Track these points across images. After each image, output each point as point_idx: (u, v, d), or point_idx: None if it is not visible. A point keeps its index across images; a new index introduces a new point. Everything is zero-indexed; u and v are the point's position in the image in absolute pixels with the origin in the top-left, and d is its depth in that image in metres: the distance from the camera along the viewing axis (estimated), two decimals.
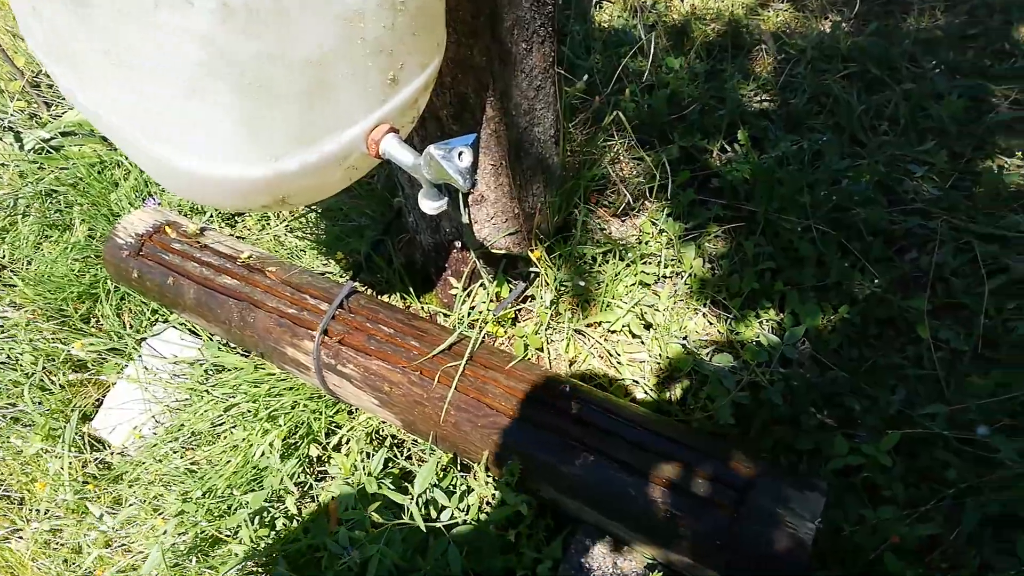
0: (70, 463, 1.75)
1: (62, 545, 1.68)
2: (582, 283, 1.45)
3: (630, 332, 1.50)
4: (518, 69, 1.19)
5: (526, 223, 1.46)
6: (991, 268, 1.50)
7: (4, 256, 2.19)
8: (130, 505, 1.64)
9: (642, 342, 1.49)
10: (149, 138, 0.83)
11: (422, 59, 0.91)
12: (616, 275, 1.52)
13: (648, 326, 1.49)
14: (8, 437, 1.81)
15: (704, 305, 1.50)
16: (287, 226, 1.94)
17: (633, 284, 1.53)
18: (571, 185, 1.51)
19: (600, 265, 1.54)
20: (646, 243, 1.55)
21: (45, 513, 1.72)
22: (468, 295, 1.56)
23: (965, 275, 1.52)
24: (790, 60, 2.01)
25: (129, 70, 0.73)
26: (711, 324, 1.49)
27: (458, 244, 1.49)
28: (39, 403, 1.87)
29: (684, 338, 1.46)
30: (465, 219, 1.40)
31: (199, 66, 0.70)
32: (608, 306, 1.51)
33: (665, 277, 1.55)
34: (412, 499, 1.30)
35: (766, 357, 1.41)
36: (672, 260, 1.54)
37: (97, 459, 1.77)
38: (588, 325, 1.51)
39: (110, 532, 1.62)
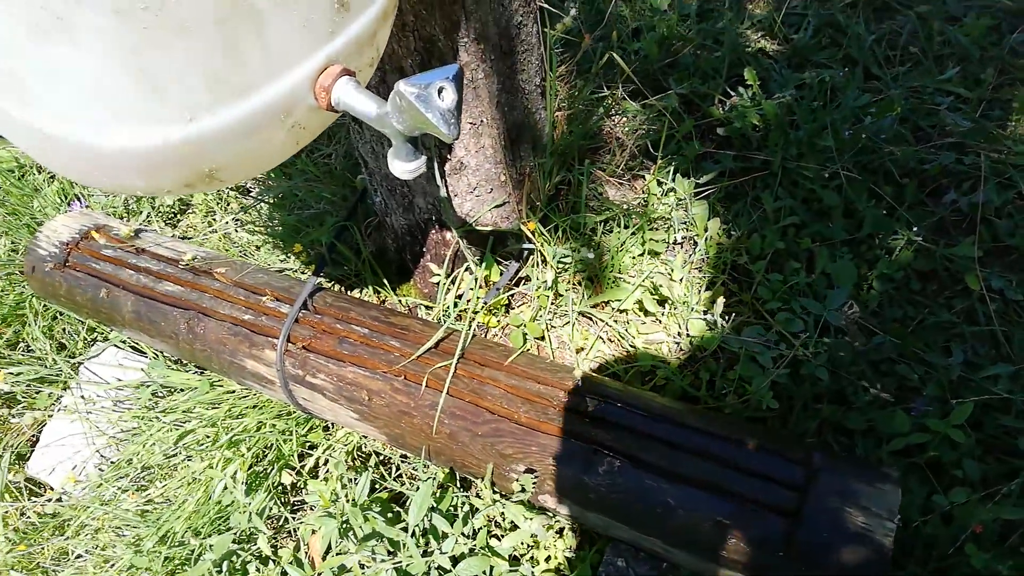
0: (4, 513, 1.50)
1: None
2: (590, 255, 1.24)
3: (643, 309, 1.29)
4: (495, 1, 0.96)
5: (515, 192, 1.24)
6: None
7: None
8: (77, 558, 1.41)
9: (658, 320, 1.29)
10: (15, 104, 0.60)
11: None
12: (621, 245, 1.31)
13: (663, 301, 1.29)
14: None
15: (724, 272, 1.30)
16: (236, 220, 1.69)
17: (641, 254, 1.32)
18: (563, 144, 1.30)
19: (602, 235, 1.33)
20: (653, 206, 1.34)
21: None
22: (452, 282, 1.34)
23: (1011, 214, 1.34)
24: None
25: None
26: (734, 293, 1.29)
27: (436, 223, 1.27)
28: None
29: (705, 312, 1.26)
30: (443, 192, 1.18)
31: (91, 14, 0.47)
32: (615, 282, 1.31)
33: (677, 243, 1.35)
34: (408, 531, 1.09)
35: (802, 327, 1.22)
36: (683, 223, 1.33)
37: (36, 505, 1.52)
38: (594, 306, 1.31)
39: None
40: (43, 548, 1.45)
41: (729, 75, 1.53)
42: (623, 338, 1.27)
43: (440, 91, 0.60)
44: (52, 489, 1.56)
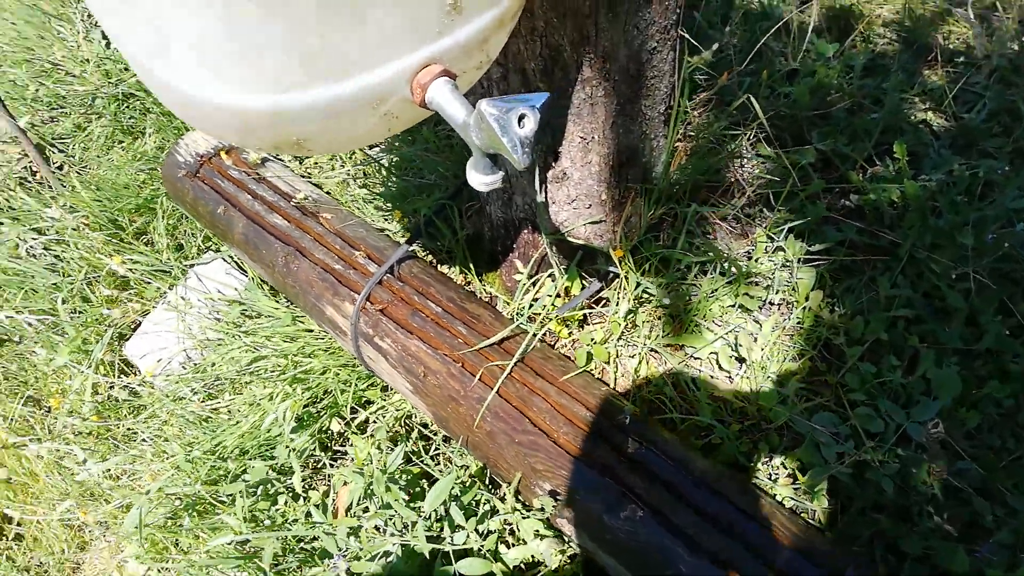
0: (94, 384, 1.65)
1: (69, 471, 1.59)
2: (667, 300, 1.20)
3: (718, 363, 1.24)
4: (630, 24, 0.93)
5: (613, 212, 1.21)
6: None
7: (74, 155, 2.12)
8: (142, 442, 1.53)
9: (730, 378, 1.23)
10: (144, 53, 0.65)
11: None
12: (712, 292, 1.26)
13: (741, 360, 1.23)
14: (38, 344, 1.74)
15: (814, 347, 1.22)
16: (354, 172, 1.76)
17: (732, 306, 1.26)
18: (676, 176, 1.25)
19: (695, 277, 1.28)
20: (757, 259, 1.27)
21: (63, 427, 1.64)
22: (533, 284, 1.33)
23: None
24: (970, 68, 1.65)
25: None
26: (819, 372, 1.21)
27: (530, 224, 1.27)
28: (79, 313, 1.79)
29: (782, 383, 1.20)
30: (540, 197, 1.17)
31: None
32: (696, 327, 1.26)
33: (772, 304, 1.28)
34: (422, 516, 1.11)
35: (881, 428, 1.13)
36: (785, 286, 1.26)
37: (122, 383, 1.67)
38: (668, 346, 1.26)
39: (114, 468, 1.52)
40: (118, 424, 1.59)
41: (880, 141, 1.42)
42: (689, 388, 1.23)
43: (521, 118, 0.60)
44: (139, 373, 1.70)
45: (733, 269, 1.25)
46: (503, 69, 1.03)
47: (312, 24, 0.56)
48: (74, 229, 1.81)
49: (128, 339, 1.77)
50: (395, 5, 0.60)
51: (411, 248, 1.43)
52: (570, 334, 1.34)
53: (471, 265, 1.45)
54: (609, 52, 0.96)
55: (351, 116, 0.68)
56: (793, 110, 1.46)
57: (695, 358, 1.26)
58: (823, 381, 1.21)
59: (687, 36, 1.03)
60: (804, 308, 1.24)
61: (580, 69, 0.98)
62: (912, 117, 1.50)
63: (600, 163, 1.11)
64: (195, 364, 1.64)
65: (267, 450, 1.37)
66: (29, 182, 2.10)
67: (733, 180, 1.29)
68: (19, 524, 1.61)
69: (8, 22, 2.67)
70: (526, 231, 1.30)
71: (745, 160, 1.37)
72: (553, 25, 0.92)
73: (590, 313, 1.34)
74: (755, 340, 1.23)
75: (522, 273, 1.33)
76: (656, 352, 1.27)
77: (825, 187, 1.35)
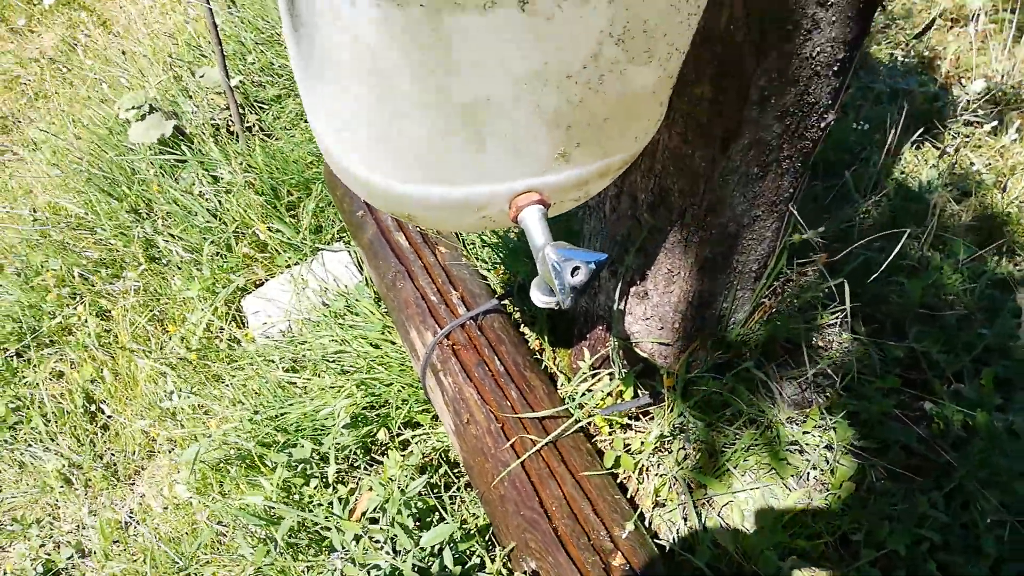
0: (208, 322, 1.89)
1: (161, 391, 1.83)
2: (704, 437, 1.25)
3: (732, 514, 1.27)
4: (739, 192, 1.01)
5: (681, 342, 1.28)
6: None
7: (264, 121, 2.42)
8: (225, 386, 1.74)
9: (739, 532, 1.26)
10: (321, 124, 0.81)
11: (607, 147, 0.79)
12: (752, 446, 1.29)
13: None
14: (179, 273, 2.01)
15: (832, 534, 1.23)
16: None
17: (767, 465, 1.29)
18: (751, 331, 1.30)
19: (741, 425, 1.32)
20: (805, 431, 1.30)
21: (170, 351, 1.89)
22: (593, 375, 1.42)
23: None
24: None
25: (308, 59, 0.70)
26: (826, 559, 1.22)
27: (605, 323, 1.36)
28: (220, 256, 2.05)
29: (787, 554, 1.21)
30: (618, 305, 1.26)
31: (351, 61, 0.64)
32: (726, 473, 1.30)
33: (805, 478, 1.29)
34: (418, 547, 1.22)
35: None
36: (825, 467, 1.27)
37: (230, 333, 1.89)
38: (692, 480, 1.31)
39: (194, 403, 1.73)
40: (213, 364, 1.81)
41: (980, 358, 1.40)
42: (697, 525, 1.27)
43: (575, 270, 0.70)
44: (247, 326, 1.93)
45: (776, 432, 1.28)
46: (618, 189, 1.13)
47: (442, 146, 0.70)
48: (241, 187, 2.07)
49: (250, 293, 2.01)
50: (510, 144, 0.72)
51: (500, 303, 1.55)
52: (610, 432, 1.41)
53: (547, 336, 1.56)
54: (713, 208, 1.04)
55: (455, 212, 0.81)
56: (902, 299, 1.47)
57: (711, 498, 1.30)
58: (828, 568, 1.22)
59: (794, 212, 1.09)
60: (835, 495, 1.25)
61: (683, 214, 1.07)
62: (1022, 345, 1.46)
63: (680, 296, 1.19)
64: (291, 336, 1.84)
65: (319, 434, 1.53)
66: (222, 132, 2.41)
67: (805, 350, 1.32)
68: (109, 417, 1.87)
69: None
70: (601, 327, 1.39)
71: (831, 332, 1.40)
72: (669, 172, 1.02)
73: (635, 419, 1.41)
74: (773, 508, 1.26)
75: (585, 362, 1.42)
76: (679, 480, 1.32)
77: (902, 386, 1.35)
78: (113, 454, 1.84)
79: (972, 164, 1.85)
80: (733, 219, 1.06)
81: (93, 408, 1.93)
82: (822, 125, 0.95)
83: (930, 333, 1.43)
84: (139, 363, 1.88)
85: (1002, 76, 2.12)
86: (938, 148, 1.91)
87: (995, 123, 1.95)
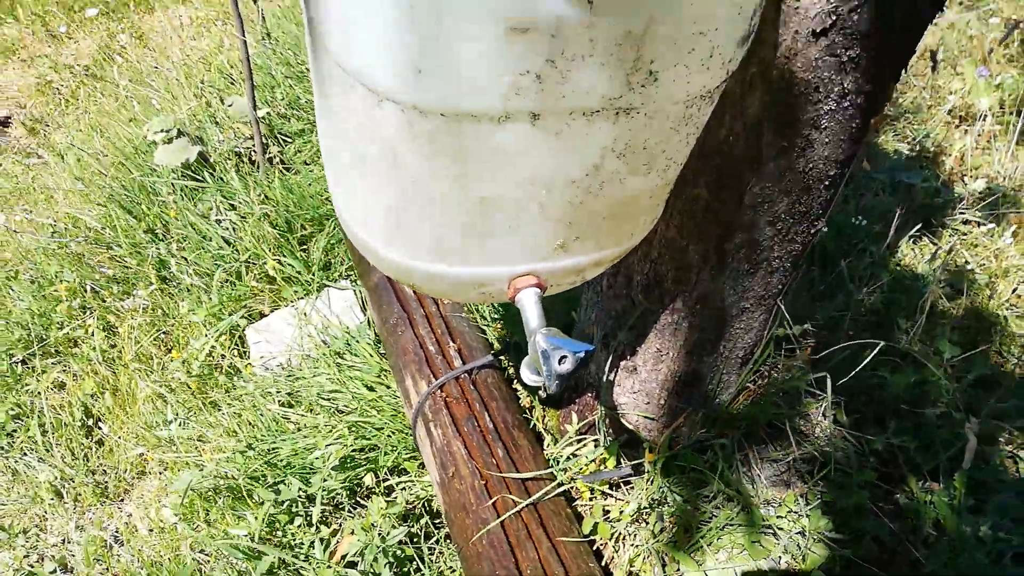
0: (210, 348, 1.94)
1: (159, 414, 1.87)
2: (681, 513, 1.28)
3: None
4: (729, 287, 1.06)
5: (666, 417, 1.32)
6: None
7: (287, 154, 2.49)
8: (221, 414, 1.78)
9: None
10: (340, 197, 0.88)
11: (604, 241, 0.84)
12: (726, 525, 1.32)
13: None
14: (188, 297, 2.06)
15: None
16: None
17: (740, 546, 1.32)
18: (735, 412, 1.34)
19: (719, 503, 1.35)
20: (779, 516, 1.33)
21: (171, 375, 1.94)
22: (579, 440, 1.46)
23: None
24: None
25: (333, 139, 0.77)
26: None
27: (594, 391, 1.40)
28: (229, 284, 2.10)
29: None
30: (607, 376, 1.30)
31: (374, 154, 0.70)
32: (699, 550, 1.32)
33: (778, 562, 1.32)
34: None
35: None
36: (796, 553, 1.30)
37: (230, 361, 1.94)
38: (666, 554, 1.34)
39: (190, 431, 1.77)
40: (210, 393, 1.85)
41: (957, 456, 1.43)
42: None
43: (562, 359, 0.74)
44: (248, 355, 1.97)
45: (752, 515, 1.31)
46: (615, 268, 1.18)
47: (453, 234, 0.75)
48: (257, 218, 2.13)
49: (254, 322, 2.06)
50: (513, 235, 0.77)
51: (496, 360, 1.59)
52: (591, 498, 1.44)
53: (538, 395, 1.59)
54: (704, 298, 1.09)
55: (457, 288, 0.87)
56: (885, 392, 1.50)
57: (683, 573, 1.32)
58: None
59: (782, 308, 1.14)
60: None
61: (674, 299, 1.12)
62: (1003, 448, 1.49)
63: (667, 375, 1.23)
64: (291, 371, 1.88)
65: (307, 473, 1.56)
66: (244, 161, 2.49)
67: (789, 434, 1.36)
68: (105, 433, 1.91)
69: (287, 23, 3.19)
70: (590, 395, 1.43)
71: (813, 419, 1.43)
72: (664, 259, 1.07)
73: (616, 487, 1.44)
74: None
75: (573, 426, 1.46)
76: (653, 553, 1.35)
77: (879, 479, 1.38)
78: (105, 470, 1.87)
79: (967, 263, 1.90)
80: (723, 309, 1.11)
81: (90, 422, 1.97)
82: (812, 231, 1.00)
83: (909, 429, 1.46)
84: (140, 384, 1.92)
85: (1004, 178, 2.18)
86: (935, 244, 1.97)
87: (992, 225, 2.00)
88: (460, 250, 0.79)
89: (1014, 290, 1.86)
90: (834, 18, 0.72)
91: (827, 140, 0.86)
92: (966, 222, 2.04)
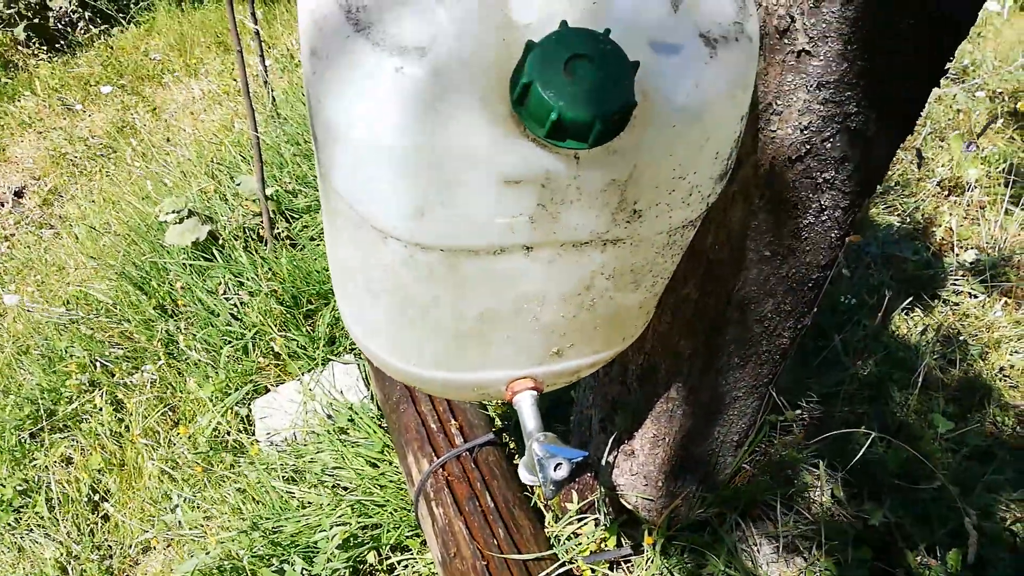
0: (217, 424, 1.97)
1: (166, 495, 1.89)
2: None
3: None
4: (720, 378, 1.11)
5: (663, 499, 1.34)
6: None
7: (294, 230, 2.57)
8: (223, 490, 1.80)
9: None
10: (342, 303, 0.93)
11: (597, 346, 0.89)
12: None
13: None
14: (196, 373, 2.10)
15: None
16: None
17: None
18: (732, 492, 1.37)
19: None
20: None
21: (178, 452, 1.96)
22: (579, 520, 1.48)
23: None
24: None
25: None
26: None
27: (595, 471, 1.43)
28: (236, 359, 2.15)
29: None
30: (607, 458, 1.33)
31: (378, 278, 0.75)
32: None
33: None
34: None
35: None
36: None
37: (235, 436, 1.97)
38: None
39: (196, 512, 1.79)
40: (216, 468, 1.88)
41: (955, 538, 1.45)
42: None
43: (557, 465, 0.78)
44: (254, 430, 2.00)
45: None
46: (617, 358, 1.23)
47: (452, 346, 0.80)
48: (265, 295, 2.19)
49: (261, 396, 2.09)
50: (511, 344, 0.82)
51: (496, 437, 1.62)
52: None
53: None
54: (696, 388, 1.13)
55: (457, 390, 0.91)
56: (880, 468, 1.53)
57: None
58: None
59: (774, 395, 1.18)
60: None
61: (669, 388, 1.16)
62: (998, 520, 1.51)
63: (664, 459, 1.26)
64: (296, 446, 1.91)
65: (311, 552, 1.57)
66: (252, 237, 2.56)
67: (791, 508, 1.38)
68: (111, 507, 1.93)
69: (295, 101, 3.31)
70: (590, 475, 1.45)
71: (811, 495, 1.46)
72: (657, 351, 1.12)
73: (617, 565, 1.45)
74: None
75: (574, 505, 1.48)
76: None
77: (876, 555, 1.40)
78: (111, 545, 1.88)
79: (959, 334, 1.94)
80: (716, 398, 1.15)
81: (97, 497, 1.99)
82: (799, 327, 1.05)
83: (905, 504, 1.48)
84: (146, 460, 1.95)
85: (993, 248, 2.24)
86: (927, 316, 2.01)
87: (984, 296, 2.05)
88: (459, 358, 0.84)
89: (1008, 362, 1.90)
90: (808, 147, 0.78)
91: (808, 248, 0.92)
92: (957, 292, 2.09)
